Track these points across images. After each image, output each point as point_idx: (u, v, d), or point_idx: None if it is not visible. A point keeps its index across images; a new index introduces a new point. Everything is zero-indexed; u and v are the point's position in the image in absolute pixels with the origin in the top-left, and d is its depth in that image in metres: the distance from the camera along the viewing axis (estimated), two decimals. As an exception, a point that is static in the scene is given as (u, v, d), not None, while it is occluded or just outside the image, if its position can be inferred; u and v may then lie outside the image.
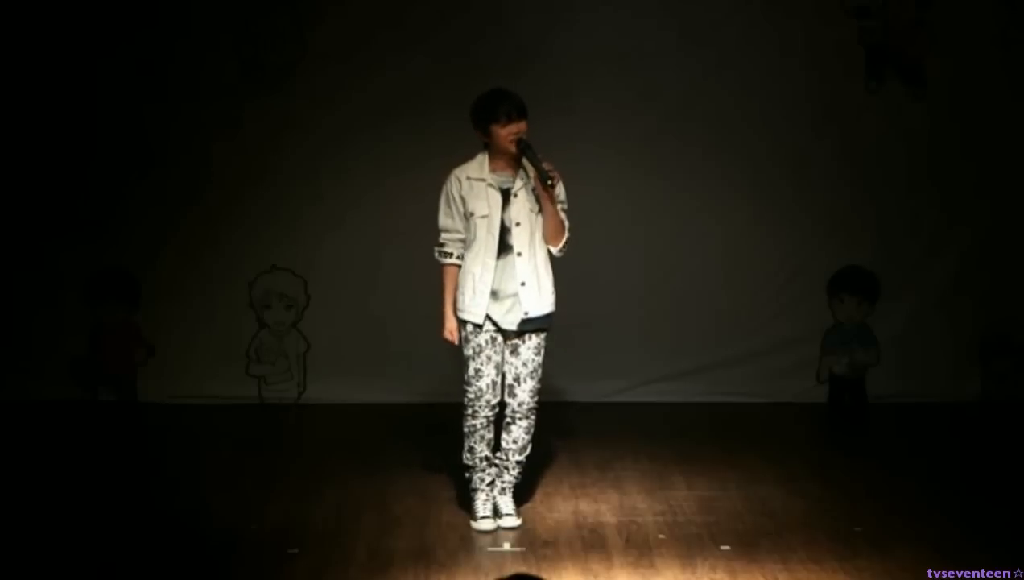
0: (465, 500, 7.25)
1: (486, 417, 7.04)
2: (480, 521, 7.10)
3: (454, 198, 7.00)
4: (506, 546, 6.87)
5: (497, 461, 7.16)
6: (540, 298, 6.98)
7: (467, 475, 7.17)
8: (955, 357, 9.74)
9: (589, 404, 9.60)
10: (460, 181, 7.00)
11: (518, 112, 6.94)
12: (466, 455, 7.12)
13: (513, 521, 7.13)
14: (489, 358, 7.00)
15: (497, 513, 7.15)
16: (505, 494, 7.18)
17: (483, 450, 7.09)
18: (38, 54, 9.52)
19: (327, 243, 9.70)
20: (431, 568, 6.55)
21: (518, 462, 7.15)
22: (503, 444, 7.13)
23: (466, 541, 6.93)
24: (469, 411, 7.05)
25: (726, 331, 9.77)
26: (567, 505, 7.48)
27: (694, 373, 9.75)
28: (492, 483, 7.16)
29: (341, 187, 9.63)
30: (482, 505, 7.14)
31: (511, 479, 7.18)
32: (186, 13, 9.58)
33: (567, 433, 8.78)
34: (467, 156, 7.09)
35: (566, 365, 9.19)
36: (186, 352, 9.72)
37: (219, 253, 9.67)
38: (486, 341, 6.99)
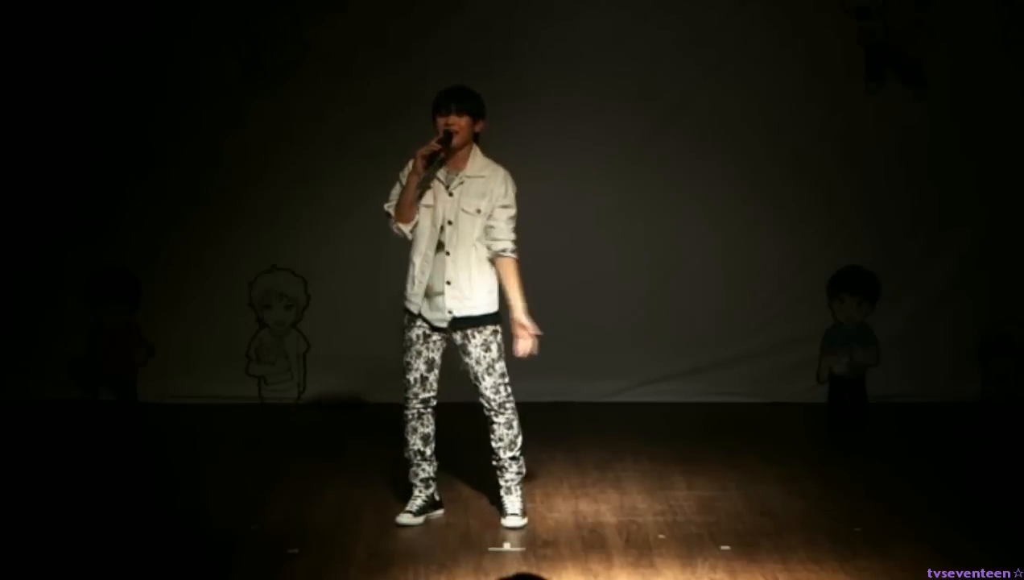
0: (465, 499, 7.25)
1: (416, 409, 7.03)
2: (401, 515, 7.09)
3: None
4: (506, 546, 6.87)
5: (494, 463, 7.15)
6: (466, 300, 6.93)
7: (405, 468, 7.20)
8: (955, 357, 9.75)
9: (589, 404, 9.60)
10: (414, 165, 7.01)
11: (454, 105, 6.89)
12: (404, 448, 7.14)
13: (518, 521, 7.11)
14: (419, 353, 7.00)
15: (502, 513, 7.15)
16: (510, 494, 7.16)
17: (416, 443, 7.07)
18: (39, 54, 9.53)
19: (327, 243, 9.71)
20: (431, 568, 6.54)
21: (512, 458, 7.11)
22: (491, 444, 7.11)
23: (466, 541, 6.92)
24: (404, 401, 7.08)
25: (726, 331, 9.78)
26: (567, 505, 7.48)
27: (694, 373, 9.75)
28: (428, 481, 7.14)
29: (341, 187, 9.63)
30: (411, 500, 7.13)
31: (512, 477, 7.15)
32: (186, 13, 9.59)
33: (567, 433, 8.78)
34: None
35: (566, 365, 9.20)
36: (186, 352, 9.73)
37: (219, 253, 9.68)
38: (417, 336, 6.99)
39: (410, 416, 7.07)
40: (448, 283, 6.91)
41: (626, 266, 9.74)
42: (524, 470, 7.22)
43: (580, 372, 9.54)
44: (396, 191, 7.05)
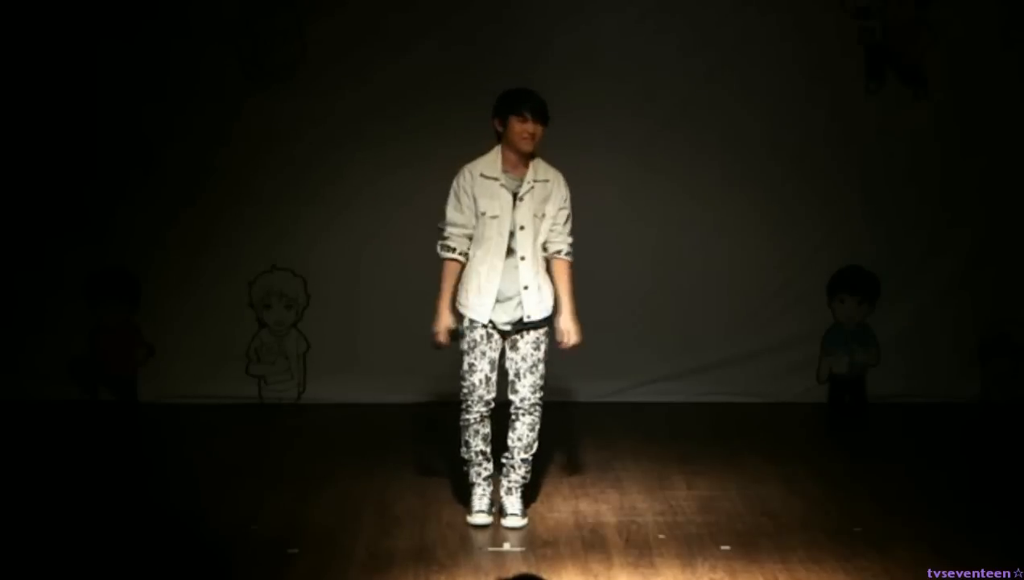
0: (465, 498, 7.25)
1: (479, 412, 7.04)
2: (475, 515, 7.11)
3: (466, 193, 6.95)
4: (506, 546, 6.87)
5: (504, 460, 7.17)
6: (541, 301, 7.01)
7: (465, 469, 7.19)
8: (955, 357, 9.75)
9: (589, 404, 9.60)
10: (472, 176, 6.95)
11: (538, 115, 6.89)
12: (463, 450, 7.14)
13: (518, 521, 7.12)
14: (484, 354, 7.00)
15: (503, 513, 7.15)
16: (512, 494, 7.17)
17: (479, 445, 7.09)
18: (38, 54, 9.52)
19: (327, 243, 9.70)
20: (431, 568, 6.55)
21: (523, 460, 7.13)
22: (508, 442, 7.14)
23: (466, 541, 6.93)
24: (463, 406, 7.07)
25: (726, 331, 9.78)
26: (567, 505, 7.48)
27: (694, 373, 9.75)
28: (490, 478, 7.17)
29: (341, 187, 9.63)
30: (478, 499, 7.15)
31: (518, 479, 7.17)
32: (186, 13, 9.59)
33: (567, 433, 8.78)
34: (468, 155, 7.07)
35: (567, 365, 9.16)
36: (186, 352, 9.72)
37: (219, 253, 9.68)
38: (481, 336, 7.00)
39: (472, 420, 7.06)
40: (526, 288, 6.95)
41: (626, 266, 9.74)
42: (530, 477, 7.23)
43: (580, 372, 9.52)
44: (449, 214, 6.98)
